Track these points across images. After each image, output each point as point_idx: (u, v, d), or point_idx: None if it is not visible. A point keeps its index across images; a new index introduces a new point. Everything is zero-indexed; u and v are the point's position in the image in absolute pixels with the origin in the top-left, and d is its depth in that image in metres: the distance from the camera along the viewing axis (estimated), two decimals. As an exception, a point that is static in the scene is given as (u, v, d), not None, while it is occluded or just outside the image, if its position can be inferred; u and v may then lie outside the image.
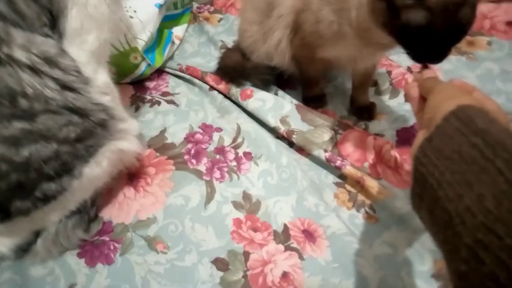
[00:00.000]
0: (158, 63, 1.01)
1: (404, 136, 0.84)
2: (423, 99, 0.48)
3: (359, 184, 0.76)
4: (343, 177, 0.79)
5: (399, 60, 0.98)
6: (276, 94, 0.93)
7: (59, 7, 0.60)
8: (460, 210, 0.32)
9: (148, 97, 0.97)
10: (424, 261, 0.66)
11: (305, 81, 0.91)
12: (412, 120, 0.86)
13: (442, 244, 0.35)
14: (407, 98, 0.55)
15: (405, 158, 0.78)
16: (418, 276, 0.65)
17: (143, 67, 0.97)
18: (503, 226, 0.29)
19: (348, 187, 0.77)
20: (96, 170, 0.67)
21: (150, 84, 1.01)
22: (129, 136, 0.72)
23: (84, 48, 0.64)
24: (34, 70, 0.57)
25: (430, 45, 0.53)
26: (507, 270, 0.28)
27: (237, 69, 0.93)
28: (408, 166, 0.77)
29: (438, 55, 0.54)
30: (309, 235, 0.71)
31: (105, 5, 0.66)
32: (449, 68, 0.96)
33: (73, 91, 0.61)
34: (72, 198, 0.67)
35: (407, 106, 0.89)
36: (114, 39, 0.77)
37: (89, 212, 0.74)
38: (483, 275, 0.29)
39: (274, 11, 0.80)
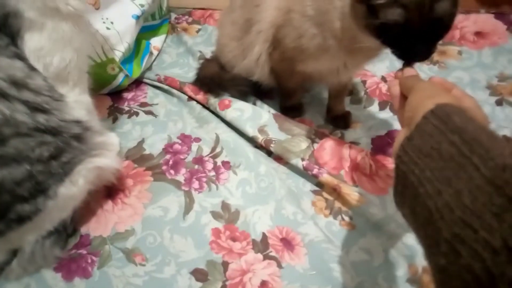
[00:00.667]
0: (136, 74, 1.01)
1: (379, 144, 0.86)
2: (404, 97, 0.49)
3: (335, 192, 0.77)
4: (320, 185, 0.80)
5: (373, 69, 1.00)
6: (254, 104, 0.94)
7: (12, 30, 0.58)
8: (439, 206, 0.34)
9: (126, 108, 0.97)
10: (399, 266, 0.67)
11: (284, 92, 0.92)
12: (386, 128, 0.88)
13: (424, 239, 0.36)
14: (390, 96, 0.56)
15: (380, 165, 0.80)
16: (393, 281, 0.66)
17: (120, 78, 0.97)
18: (478, 220, 0.30)
19: (325, 194, 0.79)
20: (72, 190, 0.66)
21: (128, 95, 1.01)
22: (107, 153, 0.72)
23: (49, 69, 0.62)
24: (1, 94, 0.56)
25: (412, 42, 0.53)
26: (482, 261, 0.29)
27: (215, 80, 0.94)
28: (383, 173, 0.79)
29: (422, 52, 0.54)
30: (288, 243, 0.72)
31: (66, 26, 0.64)
32: (421, 76, 0.99)
33: (45, 112, 0.60)
34: (48, 218, 0.66)
35: (382, 115, 0.92)
36: (89, 52, 0.76)
37: (67, 229, 0.73)
38: (460, 267, 0.30)
39: (253, 27, 0.81)
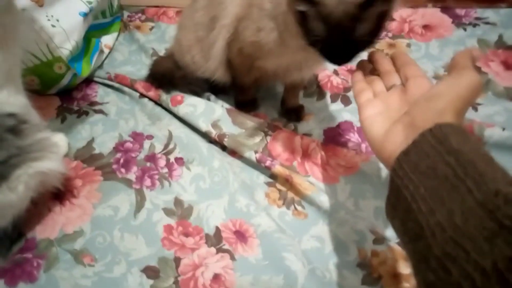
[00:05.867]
0: (85, 73, 0.98)
1: (330, 135, 0.87)
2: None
3: (288, 182, 0.78)
4: (273, 176, 0.80)
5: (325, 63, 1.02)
6: (208, 99, 0.93)
7: None
8: (431, 224, 0.35)
9: (76, 108, 0.94)
10: (350, 252, 0.68)
11: (239, 88, 0.92)
12: (337, 120, 0.90)
13: (412, 253, 0.37)
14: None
15: (330, 155, 0.81)
16: (344, 266, 0.67)
17: (69, 77, 0.94)
18: (469, 241, 0.31)
19: (279, 185, 0.79)
20: (10, 197, 0.62)
21: (78, 94, 0.98)
22: (51, 155, 0.68)
23: None
24: None
25: (333, 52, 0.55)
26: (472, 281, 0.30)
27: (166, 77, 0.92)
28: (333, 162, 0.81)
29: (343, 60, 0.56)
30: (241, 235, 0.72)
31: None
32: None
33: None
34: None
35: (333, 107, 0.93)
36: (24, 53, 0.72)
37: (10, 236, 0.69)
38: (450, 284, 0.32)
39: (217, 23, 0.79)
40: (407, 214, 0.38)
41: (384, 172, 0.77)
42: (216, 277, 0.66)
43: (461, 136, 0.39)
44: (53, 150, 0.69)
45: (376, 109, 0.50)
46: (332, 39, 0.52)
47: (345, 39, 0.52)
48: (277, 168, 0.78)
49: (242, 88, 0.92)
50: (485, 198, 0.33)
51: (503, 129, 0.78)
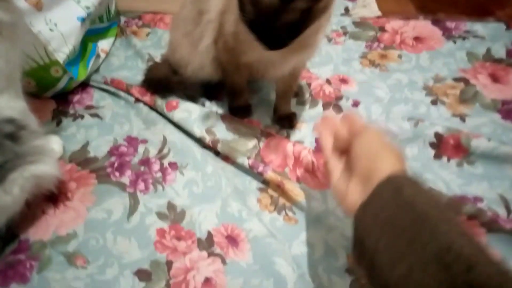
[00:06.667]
0: (81, 77, 0.99)
1: (322, 142, 0.89)
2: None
3: (280, 188, 0.79)
4: (266, 182, 0.82)
5: (318, 72, 1.04)
6: (203, 105, 0.95)
7: None
8: (394, 278, 0.38)
9: (71, 111, 0.95)
10: (338, 257, 0.70)
11: (231, 90, 0.93)
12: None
13: None
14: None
15: (321, 162, 0.83)
16: (333, 271, 0.69)
17: (65, 80, 0.95)
18: None
19: (271, 191, 0.81)
20: (5, 199, 0.63)
21: (74, 98, 0.99)
22: (46, 159, 0.69)
23: None
24: None
25: (264, 35, 0.61)
26: None
27: (162, 82, 0.94)
28: (324, 169, 0.82)
29: (278, 44, 0.62)
30: (232, 240, 0.73)
31: None
32: (363, 78, 1.04)
33: None
34: None
35: (326, 114, 0.96)
36: (23, 58, 0.73)
37: (3, 238, 0.70)
38: None
39: (203, 17, 0.82)
40: (371, 265, 0.41)
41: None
42: (207, 281, 0.67)
43: (414, 187, 0.42)
44: (49, 154, 0.70)
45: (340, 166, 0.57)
46: (259, 23, 0.60)
47: (269, 25, 0.59)
48: (270, 175, 0.80)
49: (234, 91, 0.93)
50: (439, 253, 0.36)
51: (489, 139, 0.80)
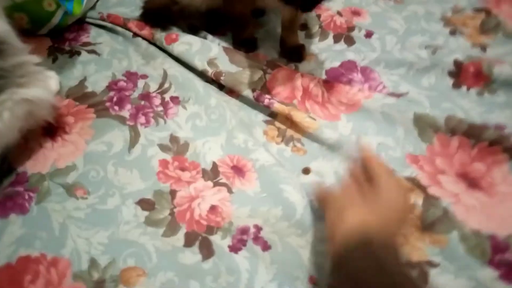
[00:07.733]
0: (76, 12, 0.93)
1: (333, 75, 0.84)
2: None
3: (288, 121, 0.75)
4: (273, 115, 0.78)
5: (328, 4, 0.97)
6: (205, 38, 0.89)
7: None
8: None
9: (67, 48, 0.90)
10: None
11: (235, 21, 0.88)
12: (340, 59, 0.86)
13: None
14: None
15: (332, 92, 0.78)
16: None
17: (59, 15, 0.90)
18: None
19: (278, 124, 0.77)
20: None
21: (70, 35, 0.93)
22: (38, 82, 0.65)
23: None
24: None
25: None
26: None
27: (162, 13, 0.88)
28: (335, 100, 0.78)
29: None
30: (238, 170, 0.70)
31: None
32: (377, 10, 0.97)
33: None
34: None
35: (336, 47, 0.90)
36: None
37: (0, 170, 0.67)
38: None
39: None
40: None
41: (388, 108, 0.75)
42: (213, 208, 0.64)
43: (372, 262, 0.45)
44: (39, 78, 0.65)
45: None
46: None
47: None
48: (276, 106, 0.75)
49: (238, 22, 0.88)
50: None
51: (514, 65, 0.74)
